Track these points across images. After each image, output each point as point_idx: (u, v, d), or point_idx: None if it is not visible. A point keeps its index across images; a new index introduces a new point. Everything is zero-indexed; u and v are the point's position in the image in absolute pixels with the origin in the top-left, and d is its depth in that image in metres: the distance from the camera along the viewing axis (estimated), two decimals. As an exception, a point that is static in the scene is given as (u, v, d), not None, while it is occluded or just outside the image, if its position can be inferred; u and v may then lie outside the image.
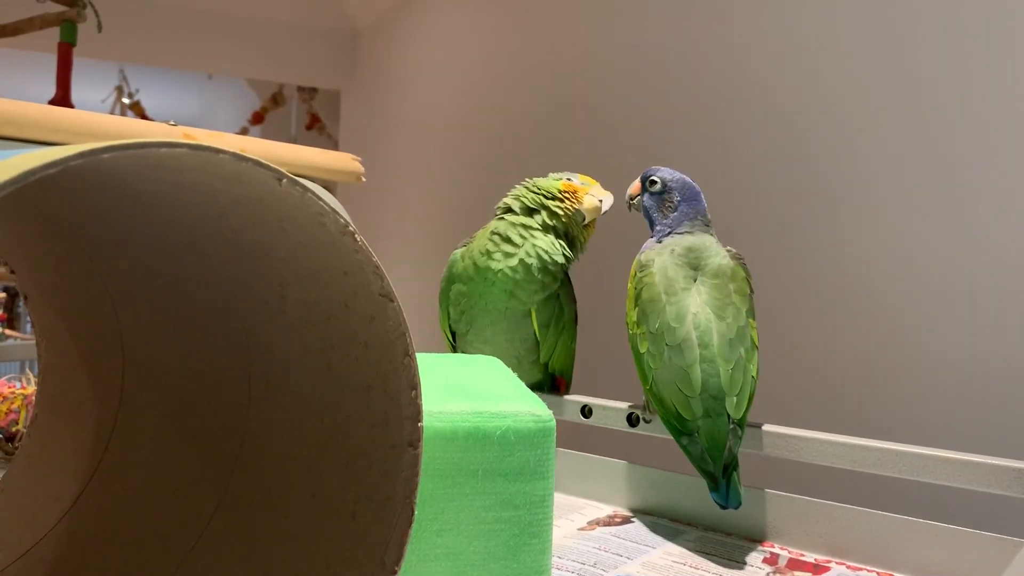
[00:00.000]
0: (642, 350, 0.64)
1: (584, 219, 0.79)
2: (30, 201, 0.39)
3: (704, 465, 0.60)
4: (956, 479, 0.55)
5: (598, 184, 0.80)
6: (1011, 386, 1.01)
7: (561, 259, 0.77)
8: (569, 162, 0.83)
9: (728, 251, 0.67)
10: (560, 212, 0.78)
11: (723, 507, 0.59)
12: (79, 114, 0.56)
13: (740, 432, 0.60)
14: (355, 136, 3.73)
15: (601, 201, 0.79)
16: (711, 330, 0.62)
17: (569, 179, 0.80)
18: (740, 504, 0.59)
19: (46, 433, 0.50)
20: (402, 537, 0.34)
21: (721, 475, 0.59)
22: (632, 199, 0.74)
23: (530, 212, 0.79)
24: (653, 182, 0.71)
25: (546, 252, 0.77)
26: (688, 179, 0.71)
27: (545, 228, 0.78)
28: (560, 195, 0.78)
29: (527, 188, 0.81)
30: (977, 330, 1.06)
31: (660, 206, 0.70)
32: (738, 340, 0.62)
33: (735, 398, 0.60)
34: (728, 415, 0.59)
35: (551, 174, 0.82)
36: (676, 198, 0.70)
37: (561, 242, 0.78)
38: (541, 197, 0.79)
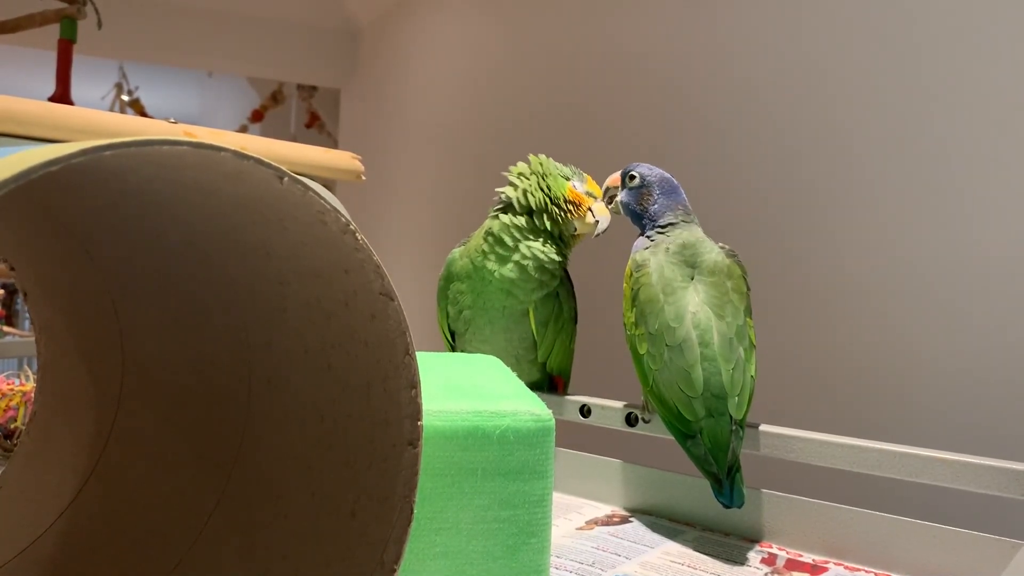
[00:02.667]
0: (641, 351, 0.64)
1: (576, 230, 0.78)
2: (31, 199, 0.39)
3: (708, 467, 0.60)
4: (953, 480, 0.55)
5: (602, 201, 0.79)
6: (1008, 387, 1.01)
7: (558, 257, 0.77)
8: (569, 162, 0.82)
9: (722, 247, 0.67)
10: (560, 221, 0.77)
11: (727, 506, 0.59)
12: (79, 111, 0.56)
13: (741, 432, 0.60)
14: (355, 134, 3.73)
15: (597, 222, 0.77)
16: (711, 329, 0.61)
17: (576, 186, 0.78)
18: (743, 503, 0.59)
19: (45, 430, 0.50)
20: (401, 536, 0.34)
21: (725, 476, 0.59)
22: (609, 189, 0.74)
23: (528, 211, 0.78)
24: (632, 177, 0.71)
25: (542, 252, 0.77)
26: (667, 174, 0.71)
27: (538, 231, 0.78)
28: (564, 204, 0.77)
29: (536, 184, 0.78)
30: (974, 331, 1.06)
31: (639, 200, 0.70)
32: (737, 339, 0.62)
33: (736, 398, 0.60)
34: (730, 415, 0.59)
35: (564, 168, 0.80)
36: (655, 192, 0.70)
37: (558, 243, 0.78)
38: (547, 200, 0.77)
